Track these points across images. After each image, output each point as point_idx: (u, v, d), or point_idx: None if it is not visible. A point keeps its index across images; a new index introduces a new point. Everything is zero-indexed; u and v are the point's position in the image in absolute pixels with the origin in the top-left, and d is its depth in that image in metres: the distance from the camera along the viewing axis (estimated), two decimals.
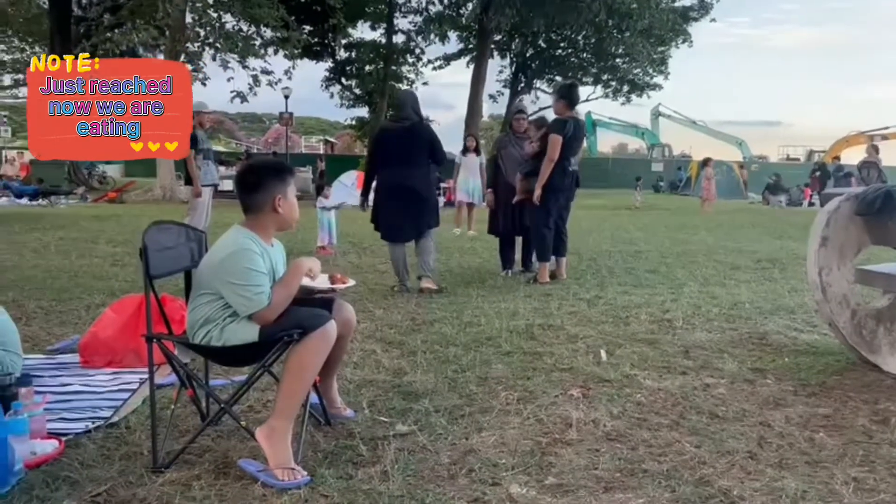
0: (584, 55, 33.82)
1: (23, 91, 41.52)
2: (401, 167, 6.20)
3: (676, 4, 31.00)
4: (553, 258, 6.92)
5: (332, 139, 62.84)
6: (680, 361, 4.13)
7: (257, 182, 2.75)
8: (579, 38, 31.69)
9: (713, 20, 33.16)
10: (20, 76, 37.45)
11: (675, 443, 2.89)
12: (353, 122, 40.54)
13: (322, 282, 2.95)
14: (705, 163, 22.24)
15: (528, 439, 2.92)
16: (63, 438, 2.77)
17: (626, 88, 35.46)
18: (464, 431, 2.98)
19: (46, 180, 22.69)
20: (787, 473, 2.62)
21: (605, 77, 34.99)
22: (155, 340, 2.62)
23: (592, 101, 37.56)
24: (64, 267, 7.44)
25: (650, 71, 34.30)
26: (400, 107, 6.59)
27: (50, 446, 2.66)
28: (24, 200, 19.92)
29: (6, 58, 36.30)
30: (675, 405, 3.37)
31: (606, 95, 36.57)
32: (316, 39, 30.61)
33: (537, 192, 6.62)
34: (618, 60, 33.34)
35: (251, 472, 2.52)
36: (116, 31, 21.08)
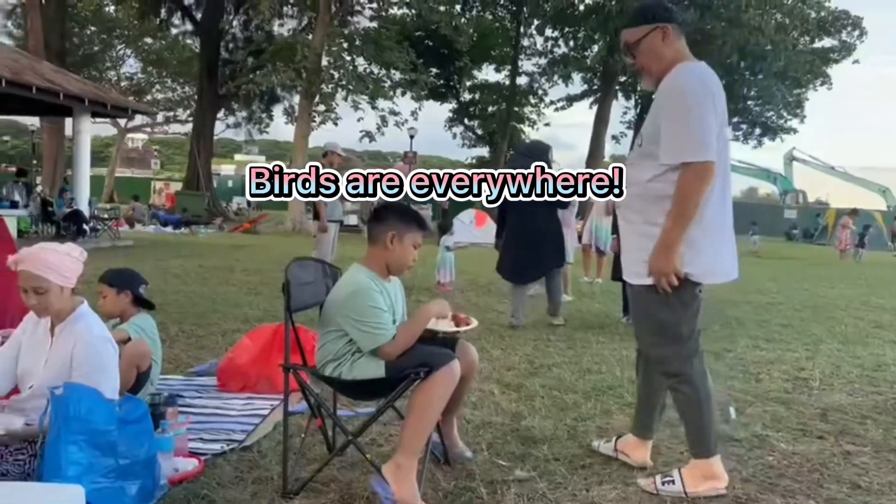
0: None
1: (173, 127, 45.16)
2: (522, 210, 6.50)
3: (816, 45, 29.66)
4: None
5: None
6: (817, 425, 3.87)
7: (381, 215, 2.91)
8: None
9: (856, 62, 31.46)
10: (171, 113, 40.81)
11: None
12: (474, 161, 41.21)
13: (446, 324, 3.01)
14: (851, 213, 20.92)
15: (653, 496, 2.82)
16: (202, 458, 2.95)
17: (757, 132, 34.17)
18: (584, 483, 2.92)
19: (189, 210, 24.38)
20: None
21: (735, 120, 33.84)
22: (291, 371, 2.76)
23: None
24: (203, 293, 7.96)
25: (784, 114, 32.94)
26: (523, 153, 6.98)
27: (190, 465, 2.84)
28: (169, 229, 21.49)
29: (160, 97, 39.63)
30: (812, 472, 3.16)
31: (736, 138, 35.29)
32: (442, 81, 31.54)
33: None
34: (749, 103, 32.23)
35: (381, 494, 2.59)
36: (258, 72, 22.54)
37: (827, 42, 30.77)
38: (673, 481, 2.84)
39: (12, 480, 2.39)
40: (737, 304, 8.88)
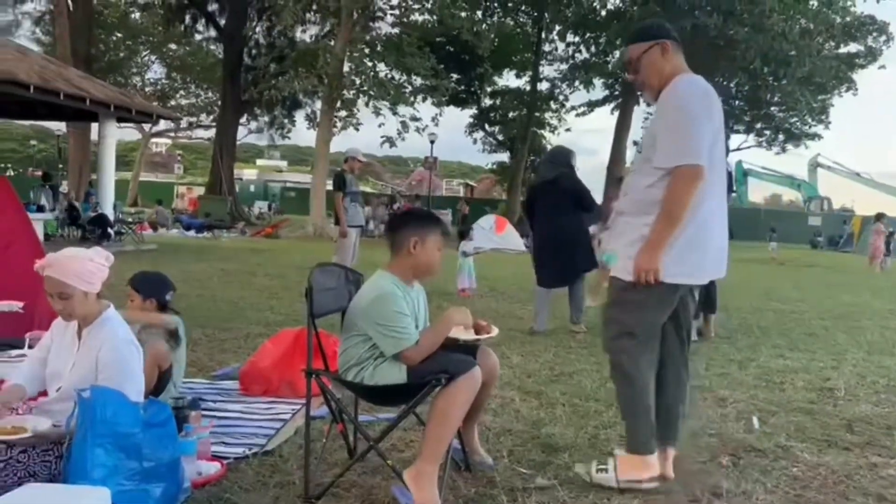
0: (737, 103, 32.63)
1: (196, 132, 45.70)
2: (547, 217, 6.65)
3: (841, 51, 29.31)
4: (700, 315, 6.67)
5: (472, 183, 64.02)
6: (842, 435, 3.82)
7: (400, 223, 2.95)
8: (731, 85, 30.65)
9: (882, 67, 31.05)
10: (194, 119, 41.29)
11: None
12: (494, 167, 41.22)
13: (467, 332, 3.00)
14: (878, 218, 20.53)
15: None
16: (225, 461, 2.97)
17: (781, 138, 33.86)
18: (606, 492, 2.90)
19: (212, 214, 24.61)
20: None
21: (758, 126, 33.60)
22: (314, 375, 2.77)
23: (744, 150, 36.05)
24: (225, 297, 8.03)
25: (809, 120, 32.57)
26: (546, 160, 7.14)
27: (213, 468, 2.86)
28: (192, 233, 21.70)
29: (184, 102, 40.10)
30: (837, 483, 3.12)
31: (760, 144, 35.07)
32: (462, 87, 31.57)
33: None
34: (773, 109, 31.94)
35: (402, 500, 2.60)
36: (280, 78, 22.71)
37: (852, 47, 30.43)
38: (607, 470, 2.95)
39: (39, 481, 2.43)
40: (760, 312, 8.79)
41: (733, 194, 8.13)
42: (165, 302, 3.62)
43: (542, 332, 6.52)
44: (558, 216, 6.54)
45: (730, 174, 7.21)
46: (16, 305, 4.15)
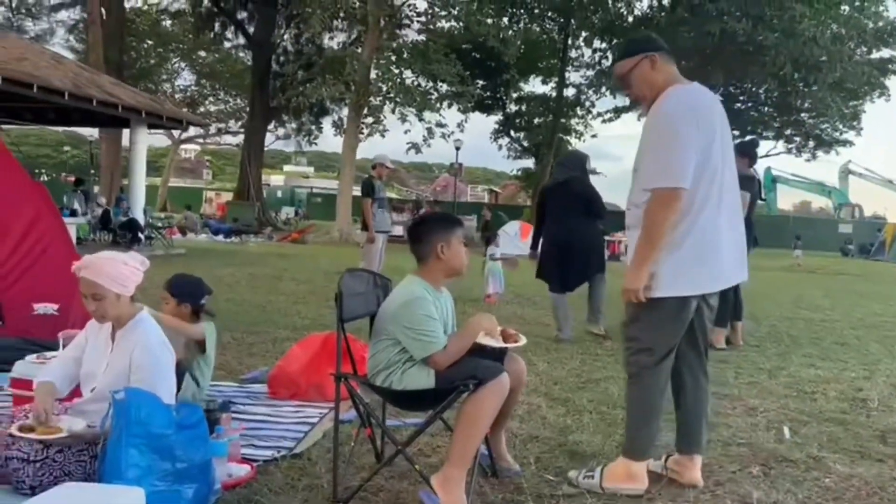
0: (766, 109, 32.26)
1: (225, 138, 46.22)
2: (557, 220, 6.62)
3: (873, 56, 28.83)
4: (728, 322, 6.60)
5: (496, 189, 63.98)
6: (875, 447, 3.75)
7: (421, 233, 2.97)
8: (761, 91, 30.33)
9: None
10: (223, 125, 41.79)
11: None
12: (519, 173, 41.13)
13: (494, 339, 3.01)
14: None
15: None
16: (254, 464, 3.01)
17: (811, 144, 33.36)
18: (633, 500, 2.89)
19: (240, 219, 24.86)
20: None
21: (788, 132, 33.14)
22: (343, 380, 2.80)
23: (773, 157, 35.60)
24: (253, 301, 8.11)
25: (840, 126, 32.07)
26: (561, 163, 7.17)
27: (243, 470, 2.90)
28: (220, 237, 21.94)
29: (213, 108, 40.59)
30: (871, 495, 3.06)
31: (789, 151, 34.58)
32: (488, 93, 31.61)
33: None
34: (803, 115, 31.49)
35: None
36: (308, 85, 22.92)
37: (885, 53, 29.90)
38: (593, 476, 2.97)
39: (74, 481, 2.48)
40: (790, 320, 8.67)
41: (761, 202, 8.00)
42: (200, 306, 3.67)
43: (568, 339, 6.47)
44: (568, 219, 6.48)
45: (758, 181, 7.15)
46: (52, 308, 4.24)
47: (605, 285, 6.78)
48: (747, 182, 6.49)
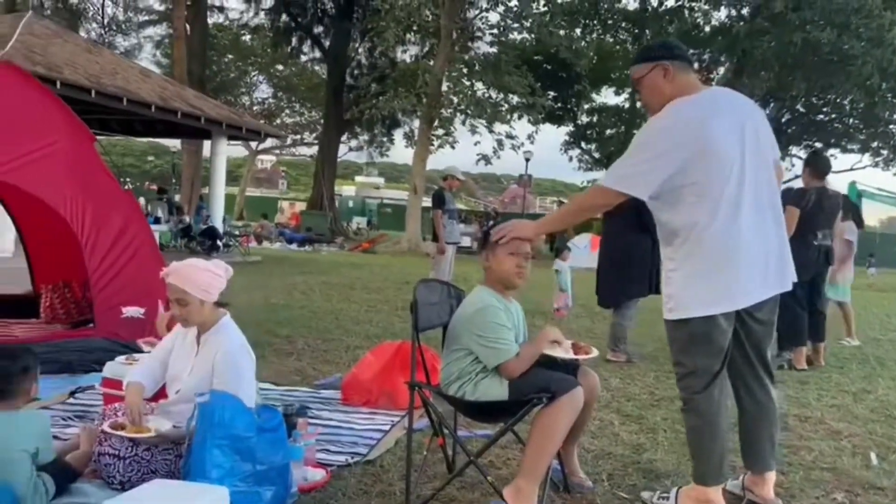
0: (851, 120, 30.93)
1: (300, 150, 47.39)
2: (612, 235, 6.48)
3: None
4: (809, 343, 6.35)
5: (565, 200, 63.35)
6: None
7: (481, 243, 3.16)
8: (845, 102, 29.10)
9: None
10: (298, 136, 42.87)
11: None
12: (589, 185, 40.61)
13: (564, 350, 2.99)
14: None
15: None
16: (329, 468, 3.07)
17: None
18: None
19: (313, 229, 25.43)
20: None
21: (874, 144, 31.65)
22: (416, 388, 2.83)
23: (858, 171, 34.07)
24: (327, 309, 8.28)
25: None
26: None
27: (318, 474, 2.96)
28: (294, 246, 22.50)
29: (289, 120, 41.71)
30: None
31: (876, 164, 32.98)
32: (559, 105, 31.40)
33: None
34: (891, 127, 30.04)
35: None
36: (381, 98, 23.29)
37: None
38: (668, 498, 2.92)
39: (159, 478, 2.59)
40: (876, 341, 8.28)
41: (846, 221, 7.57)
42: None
43: (637, 360, 6.24)
44: (624, 235, 6.16)
45: (845, 197, 6.83)
46: (139, 311, 4.44)
47: (636, 309, 6.43)
48: (797, 196, 6.17)
